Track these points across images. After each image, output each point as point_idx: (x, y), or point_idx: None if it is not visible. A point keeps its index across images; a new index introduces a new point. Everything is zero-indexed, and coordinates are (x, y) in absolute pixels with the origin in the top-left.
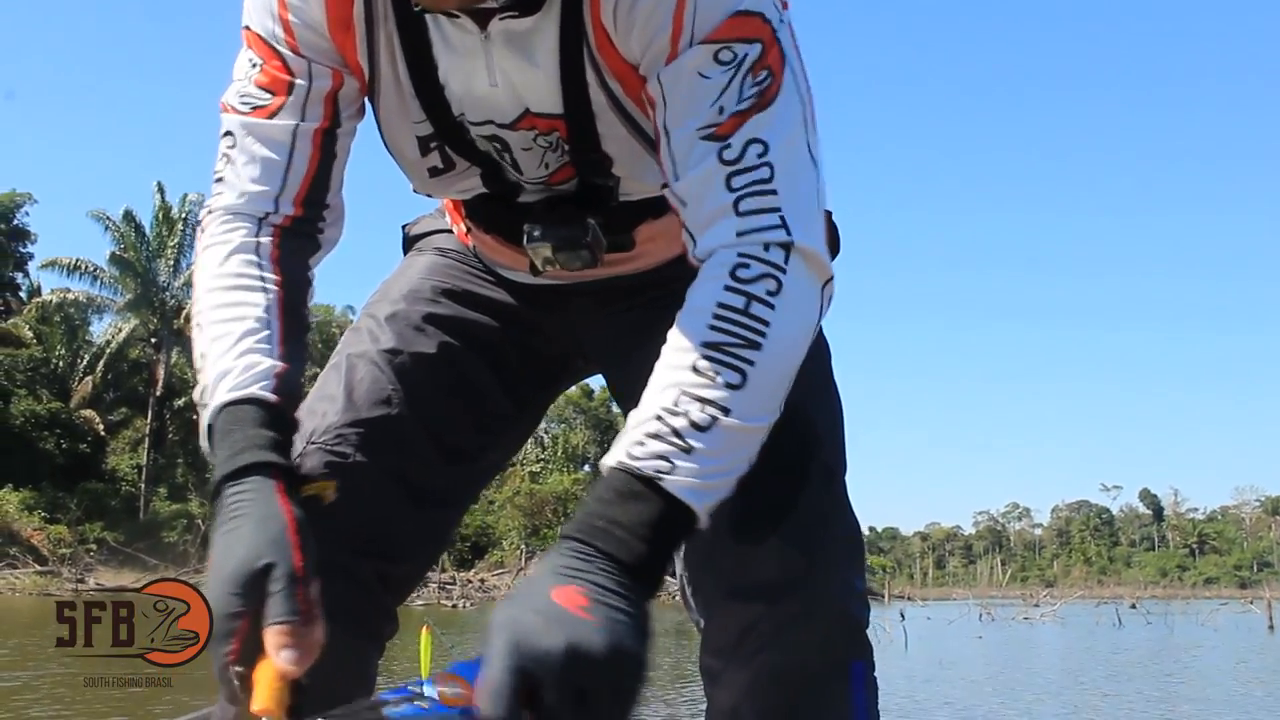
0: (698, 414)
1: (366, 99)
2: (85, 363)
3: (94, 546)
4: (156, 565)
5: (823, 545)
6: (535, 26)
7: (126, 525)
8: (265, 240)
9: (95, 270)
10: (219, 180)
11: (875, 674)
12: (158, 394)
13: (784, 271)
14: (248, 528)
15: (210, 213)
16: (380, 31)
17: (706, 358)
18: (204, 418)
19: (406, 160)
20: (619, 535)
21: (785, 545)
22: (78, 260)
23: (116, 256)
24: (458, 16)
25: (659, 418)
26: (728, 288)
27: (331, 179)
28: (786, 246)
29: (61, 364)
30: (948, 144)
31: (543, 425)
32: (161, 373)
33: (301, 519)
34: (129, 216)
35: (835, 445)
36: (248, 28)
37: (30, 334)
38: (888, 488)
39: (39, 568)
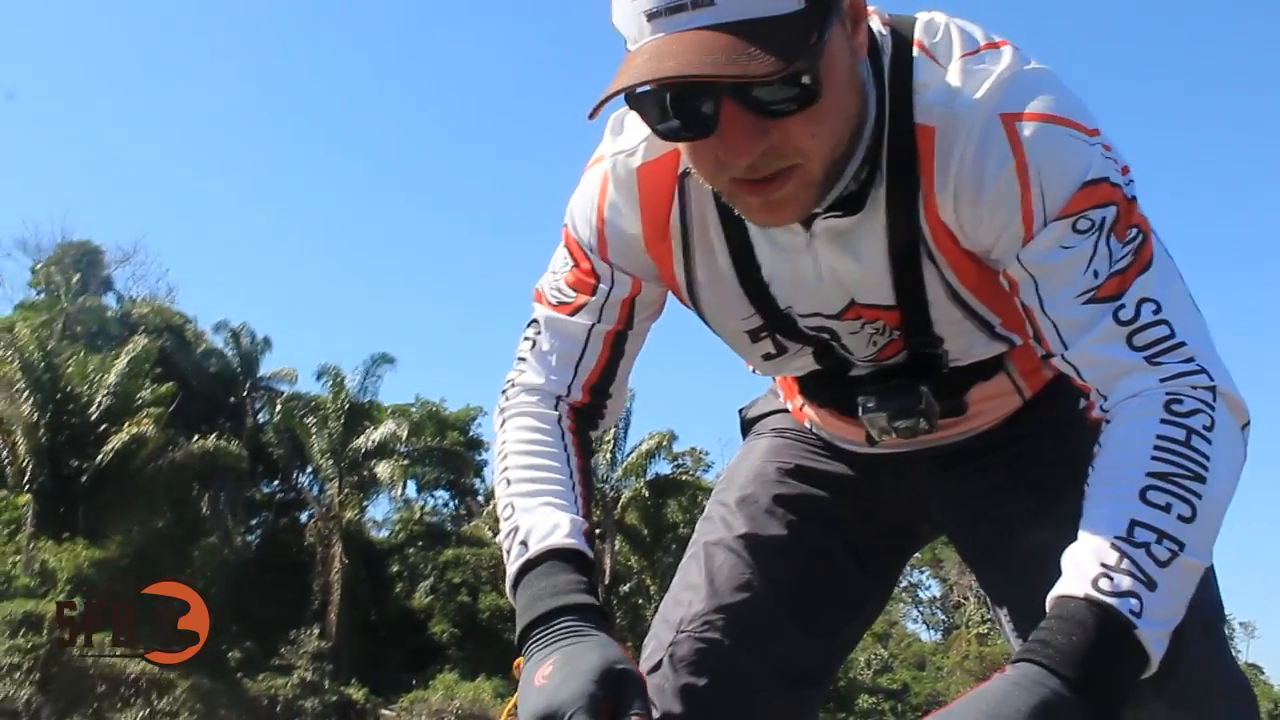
0: (1156, 548)
1: (687, 299)
2: None
3: None
4: None
5: (1211, 703)
6: (859, 225)
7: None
8: (563, 414)
9: None
10: (522, 360)
11: None
12: (605, 582)
13: (1213, 409)
14: (594, 643)
15: (514, 385)
16: (695, 238)
17: (1156, 488)
18: (516, 557)
19: (740, 349)
20: (1102, 693)
21: (1172, 709)
22: None
23: None
24: None
25: (1116, 547)
26: (1165, 420)
27: (617, 373)
28: (1211, 389)
29: None
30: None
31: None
32: (608, 561)
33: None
34: None
35: (1206, 594)
36: (566, 228)
37: (489, 533)
38: None
39: None
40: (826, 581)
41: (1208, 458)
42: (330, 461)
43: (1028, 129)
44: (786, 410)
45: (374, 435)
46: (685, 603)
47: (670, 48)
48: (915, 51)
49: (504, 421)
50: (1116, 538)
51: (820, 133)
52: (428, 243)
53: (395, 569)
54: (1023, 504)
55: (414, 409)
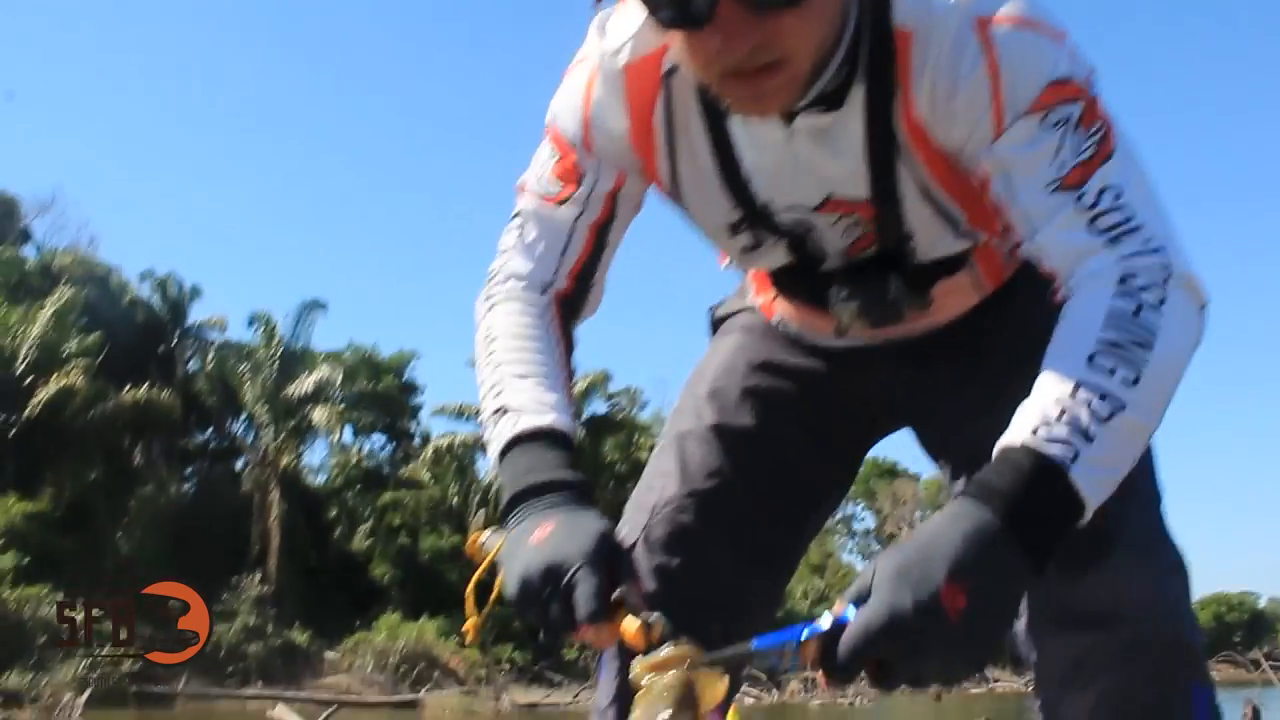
0: (1098, 404)
1: (669, 194)
2: (478, 498)
3: (506, 667)
4: (561, 682)
5: (1151, 571)
6: (838, 120)
7: (531, 645)
8: (548, 303)
9: (478, 412)
10: (506, 250)
11: (1217, 700)
12: None
13: (1166, 285)
14: (589, 513)
15: (500, 273)
16: (679, 135)
17: (1103, 353)
18: (507, 428)
19: (719, 243)
20: (1032, 527)
21: (1113, 574)
22: (461, 405)
23: None
24: None
25: (1058, 403)
26: (1116, 294)
27: (600, 263)
28: (1166, 267)
29: (456, 500)
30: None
31: None
32: None
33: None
34: None
35: (1148, 473)
36: (551, 123)
37: (428, 476)
38: None
39: (461, 688)
40: (793, 471)
41: (1156, 328)
42: (265, 408)
43: (999, 31)
44: (755, 308)
45: (308, 381)
46: (658, 488)
47: None
48: None
49: (491, 307)
50: (1062, 394)
51: (809, 29)
52: (355, 187)
53: (334, 513)
54: (982, 390)
55: (347, 354)
